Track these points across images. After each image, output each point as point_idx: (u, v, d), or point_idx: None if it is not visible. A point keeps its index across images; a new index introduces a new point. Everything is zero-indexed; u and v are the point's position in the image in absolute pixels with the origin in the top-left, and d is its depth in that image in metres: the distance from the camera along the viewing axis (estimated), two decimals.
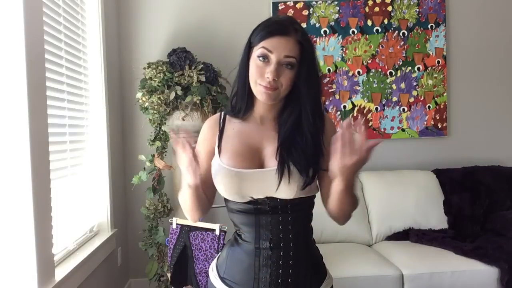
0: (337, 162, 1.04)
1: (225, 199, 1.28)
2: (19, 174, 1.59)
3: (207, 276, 2.06)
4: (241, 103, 1.27)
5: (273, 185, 1.18)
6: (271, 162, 1.21)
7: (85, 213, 2.49)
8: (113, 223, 2.76)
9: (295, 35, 1.18)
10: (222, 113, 1.33)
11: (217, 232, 2.06)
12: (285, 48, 1.16)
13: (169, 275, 2.20)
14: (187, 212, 1.31)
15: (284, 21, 1.21)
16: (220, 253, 1.35)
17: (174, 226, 2.14)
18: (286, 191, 1.18)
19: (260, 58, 1.18)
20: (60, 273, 1.89)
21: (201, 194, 1.24)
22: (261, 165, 1.22)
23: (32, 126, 1.60)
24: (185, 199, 1.25)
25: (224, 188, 1.22)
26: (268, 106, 1.25)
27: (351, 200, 1.16)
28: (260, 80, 1.19)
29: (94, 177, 2.65)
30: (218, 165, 1.23)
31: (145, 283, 2.98)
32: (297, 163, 1.18)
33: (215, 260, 1.35)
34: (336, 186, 1.11)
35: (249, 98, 1.25)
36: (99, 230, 2.67)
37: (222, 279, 1.27)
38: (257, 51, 1.19)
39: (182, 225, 2.12)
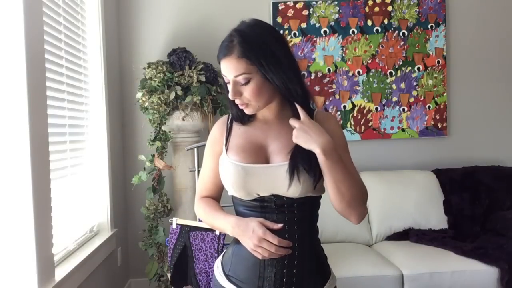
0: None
1: (232, 198, 1.29)
2: (19, 174, 1.59)
3: (207, 276, 2.07)
4: (237, 112, 1.30)
5: (280, 182, 1.19)
6: (276, 158, 1.22)
7: (85, 213, 2.48)
8: (113, 223, 2.76)
9: (236, 52, 1.19)
10: (230, 115, 1.36)
11: (217, 232, 2.06)
12: (231, 70, 1.20)
13: (169, 275, 2.20)
14: (204, 221, 1.38)
15: (224, 41, 1.25)
16: (225, 250, 1.36)
17: (174, 226, 2.14)
18: (295, 189, 1.19)
19: (225, 80, 1.25)
20: (60, 273, 1.89)
21: None
22: (266, 161, 1.24)
23: (32, 126, 1.61)
24: (211, 224, 1.33)
25: (231, 183, 1.24)
26: (265, 108, 1.27)
27: (343, 178, 1.16)
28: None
29: (94, 177, 2.65)
30: (225, 161, 1.26)
31: (145, 283, 2.98)
32: (304, 161, 1.18)
33: (220, 257, 1.36)
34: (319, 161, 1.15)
35: None
36: (99, 230, 2.67)
37: (227, 276, 1.28)
38: None
39: (182, 225, 2.12)
